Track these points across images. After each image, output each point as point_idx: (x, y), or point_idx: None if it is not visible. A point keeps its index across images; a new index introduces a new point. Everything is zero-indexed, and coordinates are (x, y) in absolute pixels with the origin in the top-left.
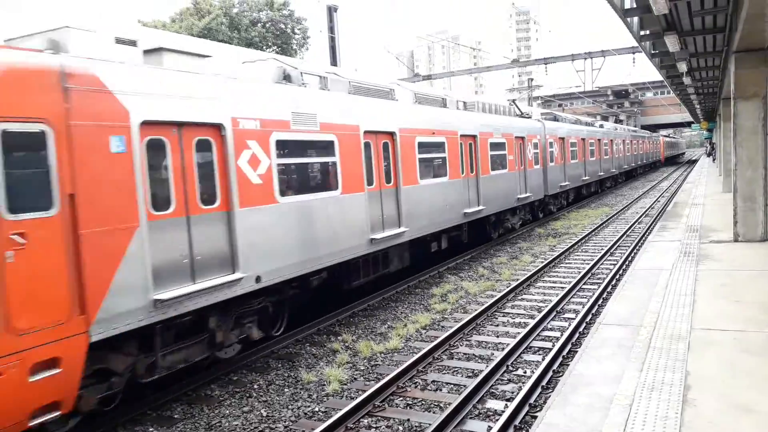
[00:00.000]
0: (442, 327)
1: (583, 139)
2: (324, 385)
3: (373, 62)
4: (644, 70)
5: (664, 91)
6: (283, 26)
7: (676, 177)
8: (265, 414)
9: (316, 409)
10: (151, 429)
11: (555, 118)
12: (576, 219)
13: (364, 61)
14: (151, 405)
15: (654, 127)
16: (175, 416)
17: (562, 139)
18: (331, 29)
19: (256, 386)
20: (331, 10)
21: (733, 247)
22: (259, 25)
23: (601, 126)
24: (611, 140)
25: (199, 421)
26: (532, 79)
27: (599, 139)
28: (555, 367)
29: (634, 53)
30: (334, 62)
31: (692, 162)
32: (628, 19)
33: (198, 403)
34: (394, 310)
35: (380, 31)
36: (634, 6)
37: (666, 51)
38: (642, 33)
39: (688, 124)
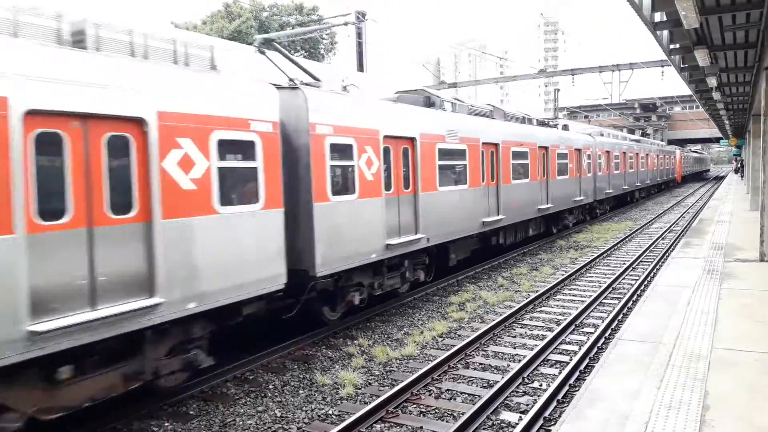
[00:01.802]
0: (459, 336)
1: (496, 145)
2: (338, 388)
3: (400, 69)
4: (673, 83)
5: (692, 106)
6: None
7: (702, 193)
8: (279, 414)
9: (330, 412)
10: (166, 423)
11: (430, 102)
12: (599, 232)
13: (392, 68)
14: (166, 400)
15: (682, 142)
16: (191, 412)
17: (411, 141)
18: (359, 35)
19: (271, 386)
20: (360, 17)
21: (758, 266)
22: (287, 29)
23: (565, 127)
24: (574, 151)
25: (214, 418)
26: (558, 90)
27: (545, 148)
28: (572, 381)
29: (663, 66)
30: (360, 68)
31: (719, 178)
32: (658, 33)
33: (213, 401)
34: (411, 316)
35: (408, 38)
36: (665, 19)
37: (696, 65)
38: (672, 47)
39: (717, 140)
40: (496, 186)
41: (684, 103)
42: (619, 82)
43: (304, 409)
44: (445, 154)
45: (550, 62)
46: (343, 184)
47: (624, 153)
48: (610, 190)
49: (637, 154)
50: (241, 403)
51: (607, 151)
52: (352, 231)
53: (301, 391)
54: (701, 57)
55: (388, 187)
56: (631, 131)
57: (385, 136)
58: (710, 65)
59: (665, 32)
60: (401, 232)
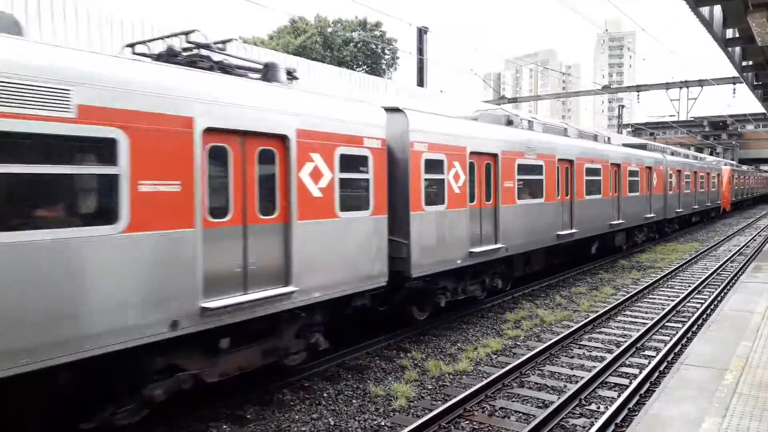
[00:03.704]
0: (514, 354)
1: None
2: (391, 399)
3: (460, 84)
4: (745, 101)
5: (767, 124)
6: (374, 47)
7: None
8: (332, 423)
9: (382, 423)
10: (225, 426)
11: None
12: (663, 253)
13: (452, 83)
14: (225, 402)
15: (754, 162)
16: (248, 416)
17: None
18: (420, 51)
19: (325, 394)
20: (422, 32)
21: None
22: (351, 44)
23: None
24: (326, 148)
25: (270, 423)
26: (622, 106)
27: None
28: (631, 405)
29: (734, 83)
30: (420, 82)
31: None
32: (730, 50)
33: (270, 406)
34: (465, 332)
35: (469, 53)
36: (737, 36)
37: None
38: (744, 63)
39: None
40: None
41: (757, 121)
42: (687, 99)
43: (357, 418)
44: None
45: (615, 78)
46: None
47: (589, 162)
48: (517, 240)
49: (644, 167)
50: (296, 409)
51: (567, 160)
52: None
53: (354, 401)
54: None
55: None
56: (700, 149)
57: None
58: None
59: (737, 49)
60: None
